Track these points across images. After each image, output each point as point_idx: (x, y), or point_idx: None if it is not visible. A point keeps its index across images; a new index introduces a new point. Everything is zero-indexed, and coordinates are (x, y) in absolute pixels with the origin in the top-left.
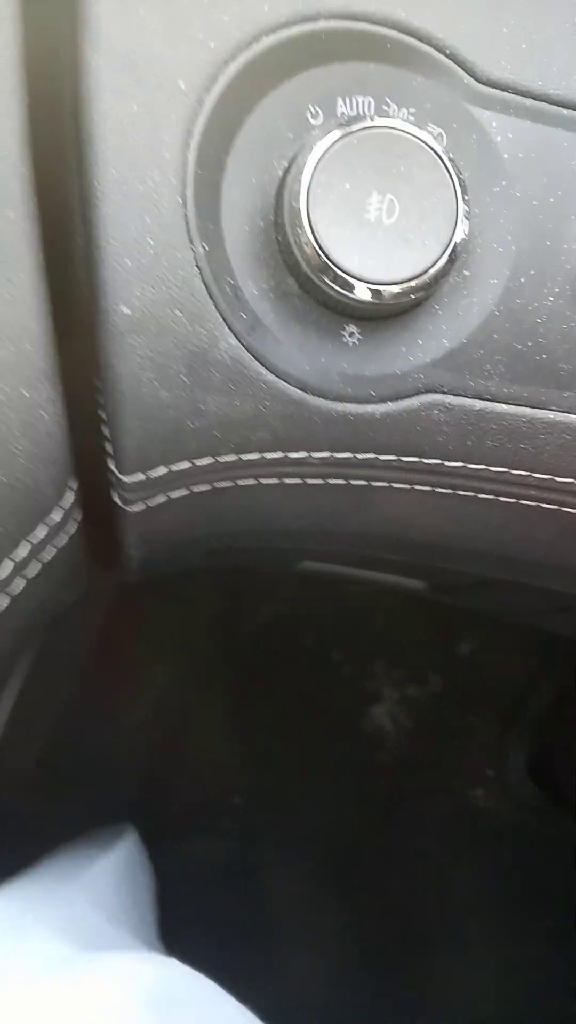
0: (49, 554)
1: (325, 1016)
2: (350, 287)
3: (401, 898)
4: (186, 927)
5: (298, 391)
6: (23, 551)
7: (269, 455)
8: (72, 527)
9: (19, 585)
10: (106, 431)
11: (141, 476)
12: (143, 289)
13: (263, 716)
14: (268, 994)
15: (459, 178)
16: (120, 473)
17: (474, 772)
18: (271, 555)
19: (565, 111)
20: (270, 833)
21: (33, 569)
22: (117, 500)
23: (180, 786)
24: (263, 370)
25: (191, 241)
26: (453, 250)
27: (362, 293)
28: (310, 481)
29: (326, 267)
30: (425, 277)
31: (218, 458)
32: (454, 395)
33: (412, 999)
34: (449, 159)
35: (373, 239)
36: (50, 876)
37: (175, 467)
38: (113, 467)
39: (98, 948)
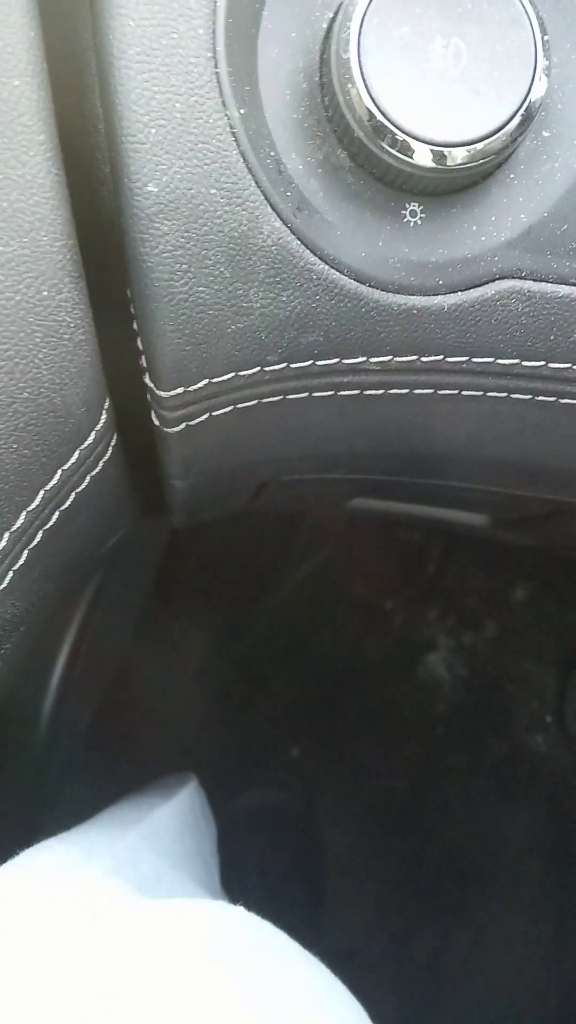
0: (84, 483)
1: (382, 963)
2: (410, 151)
3: (458, 845)
4: (244, 877)
5: (353, 282)
6: (56, 480)
7: (322, 362)
8: (107, 452)
9: (54, 518)
10: (140, 341)
11: (180, 390)
12: (172, 162)
13: (316, 667)
14: (327, 943)
15: (538, 17)
16: (158, 388)
17: (532, 718)
18: (322, 490)
19: None
20: (328, 784)
21: (68, 500)
22: (156, 420)
23: (237, 740)
24: (313, 258)
25: (225, 105)
26: (531, 104)
27: (423, 158)
28: (368, 393)
29: (382, 128)
30: (498, 137)
31: (265, 367)
32: (534, 280)
33: (469, 944)
34: None
35: (437, 92)
36: (111, 822)
37: (217, 379)
38: (150, 381)
39: (156, 894)
